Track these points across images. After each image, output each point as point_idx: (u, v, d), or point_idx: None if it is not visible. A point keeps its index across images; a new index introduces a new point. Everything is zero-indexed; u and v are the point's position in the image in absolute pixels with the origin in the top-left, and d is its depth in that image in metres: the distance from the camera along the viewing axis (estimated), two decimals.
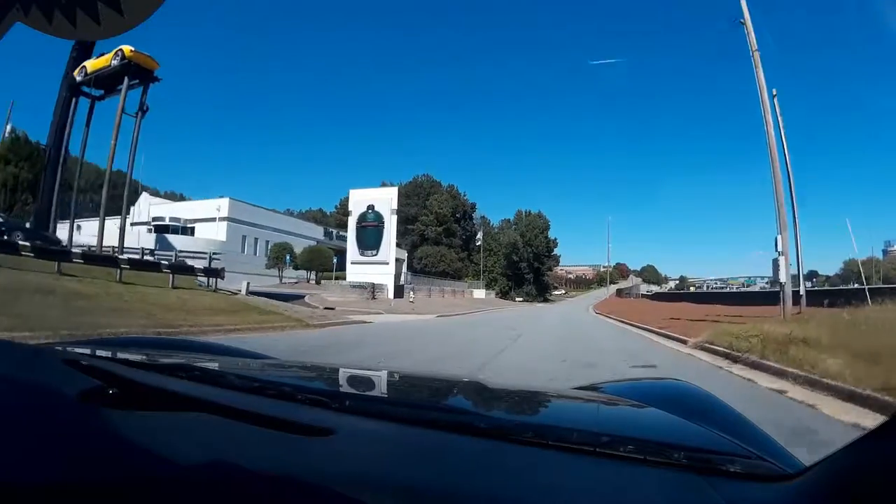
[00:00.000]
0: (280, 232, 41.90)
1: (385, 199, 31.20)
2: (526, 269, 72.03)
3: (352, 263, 31.01)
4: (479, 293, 52.03)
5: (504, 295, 68.35)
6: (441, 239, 70.01)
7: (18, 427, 0.55)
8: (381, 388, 1.12)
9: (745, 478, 0.53)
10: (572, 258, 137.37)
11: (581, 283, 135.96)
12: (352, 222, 31.69)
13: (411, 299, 28.36)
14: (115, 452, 0.52)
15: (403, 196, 79.83)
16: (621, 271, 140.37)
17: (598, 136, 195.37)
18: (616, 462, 0.55)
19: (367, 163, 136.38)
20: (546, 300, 75.55)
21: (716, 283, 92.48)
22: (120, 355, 0.94)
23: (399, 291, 29.92)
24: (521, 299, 68.12)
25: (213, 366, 1.01)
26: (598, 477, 0.53)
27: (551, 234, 75.22)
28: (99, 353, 1.00)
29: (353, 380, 1.18)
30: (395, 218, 31.35)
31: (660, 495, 0.50)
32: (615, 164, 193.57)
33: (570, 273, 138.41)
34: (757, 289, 46.89)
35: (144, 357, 0.99)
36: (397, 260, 58.93)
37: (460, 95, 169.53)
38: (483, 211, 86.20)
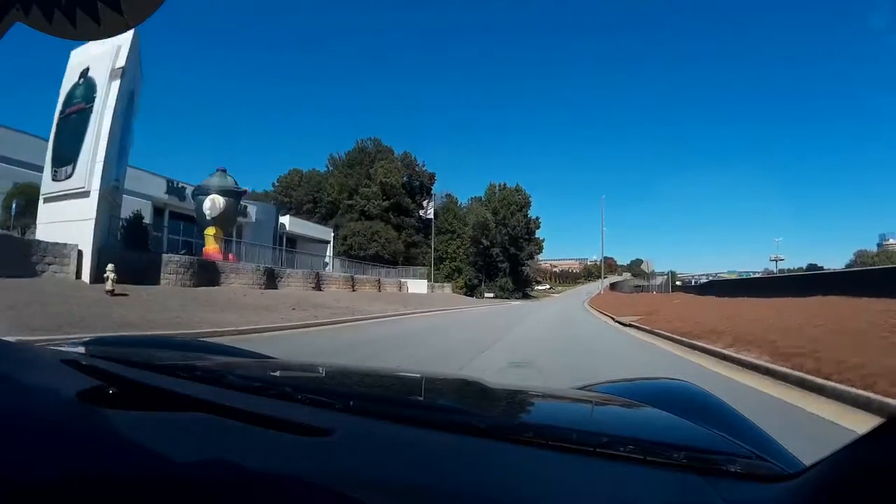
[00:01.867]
0: None
1: (105, 55, 11.89)
2: (499, 256, 53.66)
3: (44, 200, 12.42)
4: (418, 286, 33.38)
5: (471, 290, 50.58)
6: (388, 216, 52.02)
7: (17, 427, 0.54)
8: (380, 388, 1.10)
9: (745, 478, 0.52)
10: (557, 252, 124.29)
11: (567, 278, 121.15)
12: (57, 113, 12.97)
13: (110, 286, 9.99)
14: (115, 452, 0.51)
15: (345, 167, 61.78)
16: (609, 265, 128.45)
17: (586, 129, 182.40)
18: (616, 462, 0.54)
19: (312, 131, 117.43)
20: (526, 296, 57.75)
21: (707, 278, 79.04)
22: (119, 355, 0.93)
23: (100, 264, 11.05)
24: (491, 295, 49.94)
25: (213, 366, 0.98)
26: (598, 477, 0.53)
27: (533, 215, 57.75)
28: (98, 352, 0.97)
29: (352, 380, 1.17)
30: (116, 87, 11.76)
31: (659, 495, 0.50)
32: (603, 158, 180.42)
33: (555, 266, 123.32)
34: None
35: (144, 357, 0.97)
36: (318, 241, 41.19)
37: (424, 65, 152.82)
38: (452, 193, 67.89)
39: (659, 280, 43.27)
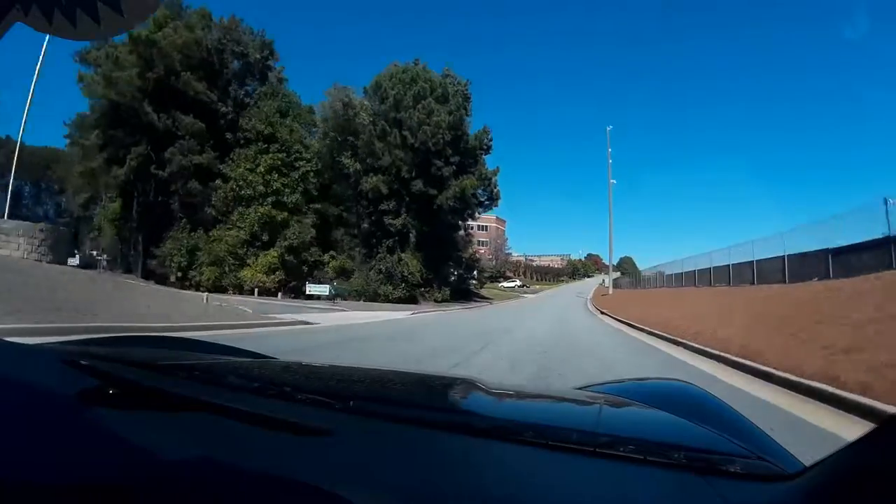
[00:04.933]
0: None
1: None
2: (389, 202, 22.43)
3: None
4: None
5: (294, 277, 20.82)
6: (148, 111, 22.12)
7: (17, 428, 0.54)
8: (380, 389, 1.08)
9: (745, 478, 0.52)
10: (537, 249, 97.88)
11: (548, 274, 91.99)
12: None
13: None
14: (115, 453, 0.51)
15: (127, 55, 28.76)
16: (596, 262, 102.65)
17: (575, 121, 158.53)
18: (616, 462, 0.53)
19: None
20: (465, 296, 27.71)
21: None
22: (120, 355, 0.92)
23: None
24: (323, 290, 18.36)
25: (213, 366, 0.98)
26: (598, 477, 0.52)
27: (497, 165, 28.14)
28: (98, 352, 0.95)
29: (352, 380, 1.15)
30: None
31: (659, 495, 0.49)
32: (597, 153, 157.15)
33: (532, 261, 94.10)
34: None
35: (144, 357, 0.96)
36: None
37: None
38: None
39: (648, 275, 34.87)
